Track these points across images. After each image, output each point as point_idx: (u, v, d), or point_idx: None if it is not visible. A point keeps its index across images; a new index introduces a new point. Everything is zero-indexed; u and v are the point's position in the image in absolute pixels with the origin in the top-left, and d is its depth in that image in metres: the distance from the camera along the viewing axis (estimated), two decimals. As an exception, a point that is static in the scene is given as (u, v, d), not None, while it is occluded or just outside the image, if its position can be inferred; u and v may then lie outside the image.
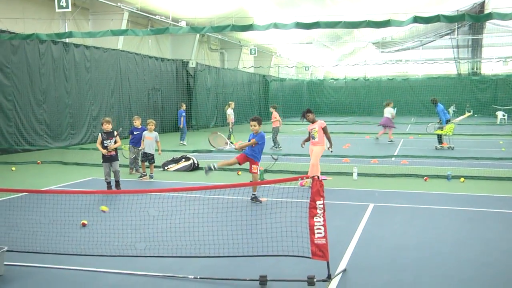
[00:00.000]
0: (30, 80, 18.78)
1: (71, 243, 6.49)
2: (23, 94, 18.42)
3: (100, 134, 10.60)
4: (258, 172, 9.66)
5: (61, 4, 17.30)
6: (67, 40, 20.58)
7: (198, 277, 5.50)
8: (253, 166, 9.42)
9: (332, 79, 52.43)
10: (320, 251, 5.26)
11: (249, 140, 9.61)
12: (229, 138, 21.47)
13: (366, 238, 7.05)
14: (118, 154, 10.85)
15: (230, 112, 21.96)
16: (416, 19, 12.22)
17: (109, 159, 10.49)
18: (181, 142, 21.28)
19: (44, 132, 19.49)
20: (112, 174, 10.59)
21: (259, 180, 10.23)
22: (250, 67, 39.43)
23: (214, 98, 34.01)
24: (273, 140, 18.74)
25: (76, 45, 21.39)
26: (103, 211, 7.63)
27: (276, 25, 13.31)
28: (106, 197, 9.88)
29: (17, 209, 8.38)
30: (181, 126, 21.50)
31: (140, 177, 12.23)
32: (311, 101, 50.00)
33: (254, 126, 9.62)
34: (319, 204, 5.26)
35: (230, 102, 22.90)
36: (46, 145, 19.28)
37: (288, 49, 45.58)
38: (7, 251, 5.71)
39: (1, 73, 17.47)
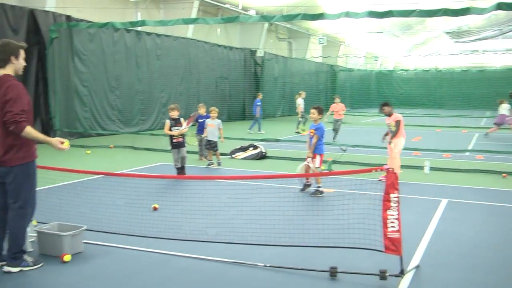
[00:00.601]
0: (104, 67, 19.43)
1: (144, 225, 6.67)
2: (97, 81, 19.09)
3: (168, 120, 10.79)
4: (321, 165, 9.45)
5: (135, -7, 17.75)
6: (139, 29, 21.10)
7: (268, 265, 5.51)
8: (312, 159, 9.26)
9: (402, 70, 51.14)
10: (393, 245, 5.13)
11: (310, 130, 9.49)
12: (297, 127, 21.42)
13: (439, 234, 6.83)
14: (185, 140, 11.05)
15: (300, 101, 21.78)
16: (500, 6, 11.54)
17: (177, 145, 10.68)
18: (249, 130, 21.42)
19: (116, 117, 20.14)
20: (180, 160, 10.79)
21: (326, 171, 10.13)
22: (318, 57, 39.03)
23: (281, 88, 33.98)
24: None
25: (148, 33, 21.91)
26: (155, 208, 7.76)
27: (347, 14, 13.10)
28: (176, 182, 10.08)
29: (93, 190, 8.71)
30: (257, 115, 21.52)
31: (209, 165, 12.39)
32: (379, 92, 49.00)
33: (313, 114, 9.35)
34: (393, 197, 5.12)
35: (300, 92, 22.68)
36: (117, 130, 19.92)
37: (357, 39, 44.78)
38: (85, 230, 5.93)
39: (78, 60, 18.16)
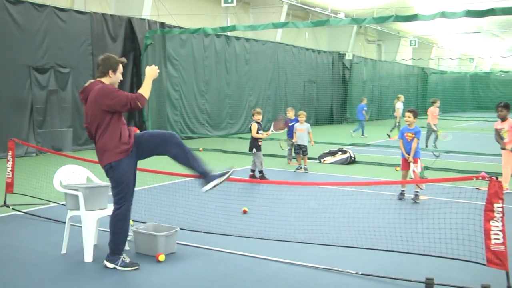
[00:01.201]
0: (195, 71, 19.97)
1: (235, 228, 6.73)
2: (188, 85, 19.65)
3: (255, 123, 10.99)
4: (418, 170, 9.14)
5: (226, -1, 18.12)
6: (229, 34, 21.49)
7: (360, 272, 5.37)
8: (413, 164, 9.01)
9: (500, 71, 48.51)
10: (497, 259, 4.81)
11: (402, 134, 9.18)
12: (391, 131, 20.88)
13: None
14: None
15: (399, 105, 21.14)
16: None
17: (261, 148, 10.91)
18: (352, 132, 21.37)
19: (206, 121, 20.62)
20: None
21: (419, 178, 9.78)
22: (409, 59, 37.93)
23: (370, 91, 33.34)
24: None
25: (237, 38, 22.26)
26: (244, 212, 7.82)
27: (443, 14, 12.58)
28: (262, 186, 10.10)
29: (185, 192, 8.92)
30: (366, 118, 21.59)
31: (297, 169, 12.34)
32: (474, 95, 46.85)
33: (409, 117, 9.14)
34: (497, 207, 4.81)
35: (399, 96, 22.04)
36: (206, 133, 20.38)
37: (451, 40, 43.03)
38: (179, 230, 6.08)
39: (170, 65, 18.79)
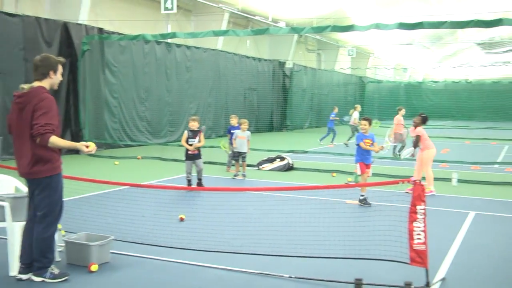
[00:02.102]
0: (135, 78, 19.72)
1: (170, 237, 6.72)
2: (127, 92, 19.37)
3: (186, 131, 10.78)
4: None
5: (166, 6, 18.06)
6: (169, 41, 21.38)
7: (293, 276, 5.50)
8: (367, 170, 9.49)
9: (431, 81, 50.57)
10: (419, 257, 5.08)
11: (361, 139, 9.53)
12: (349, 140, 21.14)
13: (466, 247, 6.72)
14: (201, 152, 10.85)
15: (356, 115, 21.33)
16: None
17: (192, 157, 10.60)
18: (320, 141, 21.63)
19: (145, 128, 20.38)
20: (196, 172, 10.68)
21: (353, 183, 10.10)
22: (347, 68, 38.93)
23: (310, 99, 33.97)
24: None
25: (178, 45, 22.18)
26: (181, 219, 7.83)
27: (378, 26, 13.06)
28: (200, 193, 10.14)
29: (120, 201, 8.82)
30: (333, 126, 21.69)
31: (235, 175, 12.42)
32: (409, 103, 48.41)
33: (365, 125, 9.64)
34: (420, 209, 5.08)
35: (356, 106, 22.31)
36: (146, 141, 20.15)
37: (387, 50, 44.54)
38: (113, 240, 6.01)
39: (109, 72, 18.48)
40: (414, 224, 5.09)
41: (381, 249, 5.90)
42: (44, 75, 5.21)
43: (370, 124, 9.74)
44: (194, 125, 10.63)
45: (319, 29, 15.28)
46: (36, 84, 5.20)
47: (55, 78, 5.29)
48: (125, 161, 15.15)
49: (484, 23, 12.12)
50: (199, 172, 10.65)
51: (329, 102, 36.56)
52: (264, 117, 28.77)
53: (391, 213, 6.95)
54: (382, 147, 9.97)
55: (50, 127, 5.00)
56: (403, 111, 17.31)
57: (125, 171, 13.22)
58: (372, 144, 9.56)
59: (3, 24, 14.79)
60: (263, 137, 23.65)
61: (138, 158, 15.72)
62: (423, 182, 5.25)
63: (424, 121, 10.62)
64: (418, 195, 5.09)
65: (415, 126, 10.58)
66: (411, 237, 5.11)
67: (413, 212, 5.12)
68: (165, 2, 18.22)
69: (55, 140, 5.01)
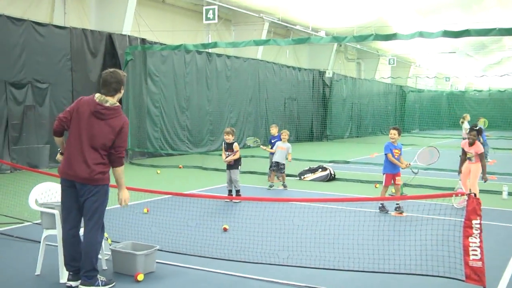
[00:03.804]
0: (176, 88, 19.90)
1: (214, 247, 6.67)
2: (169, 101, 19.56)
3: (224, 143, 10.76)
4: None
5: (208, 16, 18.18)
6: (210, 50, 21.52)
7: (341, 291, 5.35)
8: (396, 178, 9.26)
9: (475, 90, 49.41)
10: (475, 275, 4.87)
11: (390, 150, 9.37)
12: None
13: (524, 265, 6.42)
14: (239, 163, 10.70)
15: (467, 126, 19.58)
16: None
17: (228, 167, 10.58)
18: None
19: (186, 138, 20.52)
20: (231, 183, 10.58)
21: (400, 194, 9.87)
22: (388, 78, 38.41)
23: (349, 109, 33.63)
24: None
25: (219, 55, 22.31)
26: (225, 229, 7.76)
27: (421, 34, 12.78)
28: (242, 203, 10.06)
29: (163, 210, 8.84)
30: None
31: (270, 186, 12.25)
32: (451, 113, 47.54)
33: (394, 135, 9.53)
34: (476, 223, 4.88)
35: (465, 115, 20.91)
36: (187, 150, 20.27)
37: (428, 59, 43.76)
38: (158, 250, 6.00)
39: (151, 81, 18.71)
40: (470, 239, 4.88)
41: (432, 265, 5.70)
42: (116, 91, 5.30)
43: (399, 134, 9.59)
44: (228, 138, 10.57)
45: (361, 38, 15.12)
46: (109, 99, 5.24)
47: (122, 94, 5.40)
48: (167, 170, 15.25)
49: (534, 29, 11.73)
50: (234, 182, 10.50)
51: (369, 111, 36.19)
52: (304, 126, 28.60)
53: (440, 228, 6.75)
54: (409, 164, 9.69)
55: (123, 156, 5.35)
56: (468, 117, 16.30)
57: (167, 180, 13.29)
58: (400, 155, 9.45)
59: (52, 36, 15.20)
60: (304, 147, 23.46)
61: (180, 167, 15.81)
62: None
63: (480, 134, 10.16)
64: (473, 209, 4.89)
65: (473, 142, 9.75)
66: (466, 253, 4.90)
67: (468, 227, 4.91)
68: (206, 12, 18.36)
69: (122, 170, 5.33)
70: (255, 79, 24.93)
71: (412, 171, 12.42)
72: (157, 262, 5.97)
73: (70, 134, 5.25)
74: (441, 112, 45.70)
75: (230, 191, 10.61)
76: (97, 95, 5.25)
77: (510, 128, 42.05)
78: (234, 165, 10.51)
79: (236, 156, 10.50)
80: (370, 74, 38.99)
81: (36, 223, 7.88)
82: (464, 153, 9.90)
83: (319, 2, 25.49)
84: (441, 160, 10.62)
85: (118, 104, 5.30)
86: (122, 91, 5.36)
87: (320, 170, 13.85)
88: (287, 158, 12.40)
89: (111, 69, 5.40)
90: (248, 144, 13.98)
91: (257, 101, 25.19)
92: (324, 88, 30.79)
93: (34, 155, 14.53)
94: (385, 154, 9.45)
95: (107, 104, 5.19)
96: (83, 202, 5.20)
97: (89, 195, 5.17)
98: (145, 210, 8.93)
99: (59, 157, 5.46)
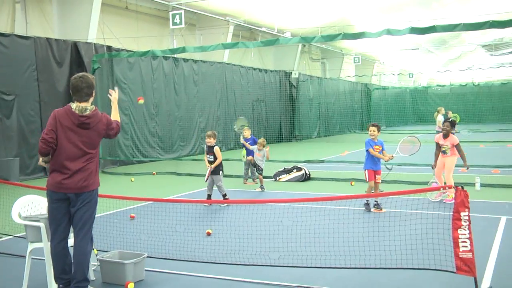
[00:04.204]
0: (144, 94, 19.65)
1: (204, 251, 6.63)
2: (137, 108, 19.33)
3: (205, 146, 10.67)
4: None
5: (175, 21, 18.06)
6: (176, 56, 21.38)
7: (334, 289, 5.38)
8: (377, 176, 9.35)
9: (437, 85, 50.47)
10: (465, 266, 4.96)
11: (371, 145, 9.47)
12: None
13: (506, 254, 6.57)
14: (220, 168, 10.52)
15: (440, 118, 20.07)
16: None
17: (211, 172, 10.35)
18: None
19: (157, 144, 20.33)
20: (214, 188, 10.42)
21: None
22: (353, 76, 38.88)
23: (317, 108, 33.89)
24: None
25: (185, 60, 22.18)
26: (208, 234, 7.71)
27: (389, 31, 12.96)
28: (222, 207, 10.03)
29: (144, 217, 8.74)
30: None
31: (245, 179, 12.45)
32: (415, 109, 48.51)
33: (374, 131, 9.63)
34: (464, 215, 4.98)
35: (439, 108, 21.15)
36: (158, 156, 20.08)
37: (391, 56, 44.52)
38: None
39: (119, 89, 18.41)
40: (459, 231, 4.98)
41: (419, 258, 5.79)
42: (88, 95, 5.23)
43: (378, 130, 9.68)
44: (209, 141, 10.42)
45: (330, 38, 15.19)
46: (87, 106, 5.18)
47: (93, 97, 5.32)
48: (141, 177, 15.08)
49: (499, 23, 12.00)
50: (219, 188, 10.34)
51: (336, 110, 36.53)
52: (273, 128, 28.69)
53: (421, 221, 6.87)
54: (392, 156, 9.79)
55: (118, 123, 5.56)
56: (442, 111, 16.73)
57: (142, 187, 13.14)
58: (381, 151, 9.52)
59: (16, 46, 14.83)
60: (274, 148, 23.43)
61: (153, 174, 15.65)
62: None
63: (453, 126, 10.29)
64: (462, 201, 4.98)
65: (447, 134, 10.01)
66: (456, 245, 4.99)
67: (457, 219, 5.01)
68: (173, 17, 18.23)
69: (117, 118, 5.59)
70: (223, 82, 24.88)
71: (386, 167, 12.61)
72: (146, 270, 5.89)
73: (59, 148, 5.11)
74: (406, 108, 46.54)
75: (209, 195, 10.52)
76: (74, 105, 5.16)
77: (472, 121, 43.13)
78: (215, 170, 10.32)
79: (219, 160, 10.34)
80: (335, 73, 39.38)
81: (18, 237, 7.69)
82: (438, 147, 10.09)
83: (284, 3, 25.67)
84: (412, 155, 10.76)
85: (94, 107, 5.25)
86: (94, 95, 5.30)
87: (295, 170, 13.91)
88: (265, 156, 12.45)
89: (80, 74, 5.33)
90: (235, 129, 13.94)
91: (226, 104, 25.15)
92: (291, 88, 30.96)
93: (3, 168, 14.13)
94: (366, 150, 9.55)
95: (87, 113, 5.14)
96: (74, 212, 5.11)
97: (81, 204, 5.09)
98: (208, 231, 7.99)
99: (40, 162, 5.37)
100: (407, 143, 10.60)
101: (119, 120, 5.58)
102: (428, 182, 10.52)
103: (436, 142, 10.16)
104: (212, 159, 10.33)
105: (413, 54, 42.84)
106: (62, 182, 5.07)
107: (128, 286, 5.45)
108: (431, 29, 12.57)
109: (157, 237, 7.39)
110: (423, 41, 37.59)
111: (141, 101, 8.25)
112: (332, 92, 36.31)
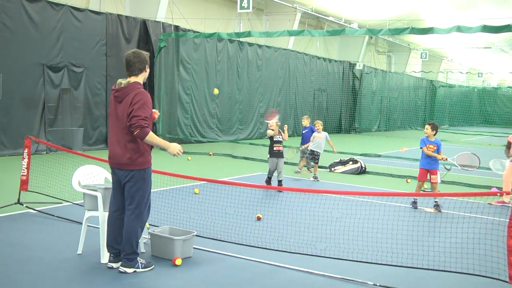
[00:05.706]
0: (207, 76, 19.98)
1: (250, 235, 6.72)
2: (199, 89, 19.66)
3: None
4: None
5: (242, 5, 18.15)
6: (241, 39, 21.51)
7: (378, 284, 5.34)
8: (432, 176, 9.14)
9: (508, 87, 48.45)
10: (518, 276, 4.80)
11: (425, 144, 9.26)
12: None
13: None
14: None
15: None
16: None
17: (277, 154, 10.39)
18: None
19: (215, 125, 20.63)
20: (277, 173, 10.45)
21: (429, 191, 9.77)
22: (418, 72, 37.89)
23: (379, 102, 33.32)
24: None
25: (250, 44, 22.30)
26: (258, 218, 7.78)
27: (459, 28, 12.55)
28: (277, 193, 10.09)
29: (197, 196, 8.92)
30: None
31: (296, 172, 12.49)
32: (482, 110, 46.76)
33: (427, 129, 9.37)
34: (520, 223, 4.81)
35: None
36: (215, 138, 20.37)
37: (461, 54, 43.03)
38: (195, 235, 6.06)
39: (183, 69, 18.81)
40: (514, 239, 4.81)
41: (471, 263, 5.65)
42: (140, 70, 5.34)
43: (433, 129, 9.31)
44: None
45: (397, 31, 14.90)
46: (132, 79, 5.31)
47: (147, 73, 5.44)
48: (197, 157, 15.36)
49: None
50: (279, 174, 10.37)
51: (398, 105, 35.79)
52: (332, 118, 28.45)
53: (477, 225, 6.68)
54: (446, 158, 9.49)
55: (148, 122, 5.12)
56: None
57: (198, 167, 13.38)
58: (436, 151, 9.23)
59: (89, 21, 15.42)
60: (332, 139, 23.28)
61: (210, 155, 15.91)
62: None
63: None
64: (519, 208, 4.81)
65: None
66: (510, 253, 4.83)
67: (512, 226, 4.84)
68: (241, 1, 18.32)
69: (152, 136, 5.17)
70: (286, 69, 24.86)
71: (445, 167, 12.30)
72: (194, 248, 6.04)
73: (109, 123, 5.43)
74: (472, 108, 45.00)
75: (270, 178, 10.57)
76: (118, 81, 5.37)
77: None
78: (282, 152, 10.50)
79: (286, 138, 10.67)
80: (400, 67, 38.52)
81: (76, 204, 8.04)
82: (509, 146, 9.70)
83: (353, -7, 25.28)
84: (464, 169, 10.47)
85: (133, 81, 5.27)
86: (148, 70, 5.39)
87: (351, 162, 13.79)
88: (328, 149, 12.46)
89: (133, 50, 5.47)
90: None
91: (287, 91, 25.13)
92: (354, 80, 30.55)
93: (68, 137, 14.77)
94: (420, 148, 9.37)
95: (123, 85, 5.27)
96: (123, 186, 5.32)
97: (125, 180, 5.28)
98: (196, 191, 9.42)
99: None
100: (467, 157, 10.31)
101: (149, 138, 5.12)
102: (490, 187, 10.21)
103: (508, 141, 9.79)
104: (281, 139, 10.54)
105: (484, 53, 41.20)
106: (109, 155, 5.39)
107: (176, 261, 5.61)
108: (506, 28, 12.10)
109: (208, 217, 7.53)
110: (496, 40, 36.09)
111: (216, 92, 8.45)
112: (396, 86, 35.59)
